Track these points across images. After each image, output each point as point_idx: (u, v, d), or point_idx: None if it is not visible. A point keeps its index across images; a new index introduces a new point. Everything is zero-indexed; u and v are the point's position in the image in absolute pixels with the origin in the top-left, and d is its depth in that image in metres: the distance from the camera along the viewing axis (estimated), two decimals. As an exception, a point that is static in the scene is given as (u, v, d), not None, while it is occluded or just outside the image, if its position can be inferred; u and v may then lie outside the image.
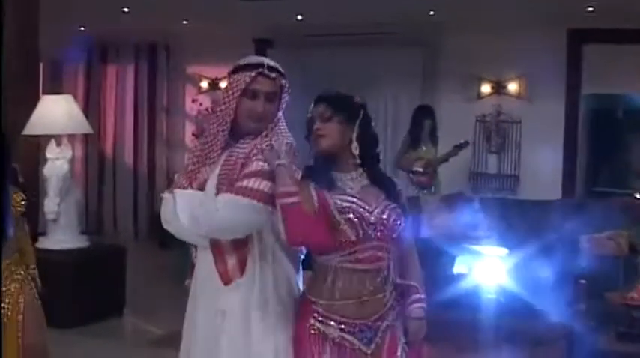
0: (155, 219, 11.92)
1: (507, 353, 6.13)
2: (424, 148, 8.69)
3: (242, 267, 3.19)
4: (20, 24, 7.74)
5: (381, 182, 3.28)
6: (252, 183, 3.10)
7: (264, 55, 11.04)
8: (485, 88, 10.22)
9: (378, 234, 3.13)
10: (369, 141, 3.27)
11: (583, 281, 5.98)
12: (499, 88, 10.16)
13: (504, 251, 7.11)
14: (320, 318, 3.15)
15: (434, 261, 6.98)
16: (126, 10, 9.90)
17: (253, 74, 3.23)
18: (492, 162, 10.22)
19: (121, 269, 7.80)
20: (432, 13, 9.58)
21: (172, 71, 12.08)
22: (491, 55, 9.86)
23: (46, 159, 7.44)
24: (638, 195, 7.42)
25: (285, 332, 3.22)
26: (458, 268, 7.05)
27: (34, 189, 7.88)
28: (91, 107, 12.04)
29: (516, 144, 10.06)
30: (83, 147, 12.15)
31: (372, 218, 3.13)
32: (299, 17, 10.15)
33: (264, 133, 3.24)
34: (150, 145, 12.16)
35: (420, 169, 8.59)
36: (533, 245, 6.95)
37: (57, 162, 7.34)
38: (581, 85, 9.80)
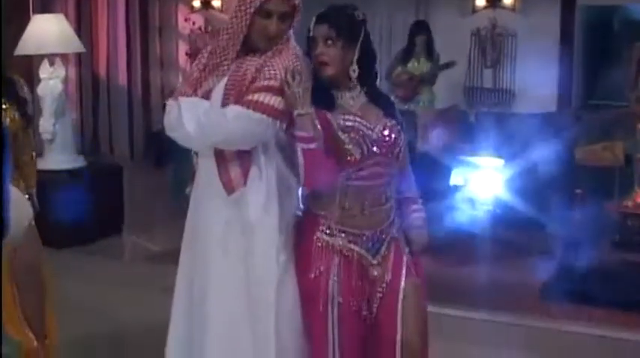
0: (150, 138, 11.94)
1: (505, 264, 6.14)
2: (416, 64, 8.58)
3: (245, 175, 3.17)
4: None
5: (379, 99, 3.30)
6: (264, 97, 3.08)
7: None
8: (480, 1, 10.10)
9: (382, 150, 3.15)
10: (368, 61, 3.27)
11: (579, 191, 5.98)
12: (494, 1, 10.02)
13: (500, 162, 7.09)
14: (327, 231, 3.18)
15: (430, 173, 6.96)
16: None
17: None
18: (488, 76, 10.15)
19: (119, 188, 7.78)
20: None
21: (163, -9, 11.90)
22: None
23: (39, 79, 7.35)
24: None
25: (287, 244, 3.23)
26: (454, 180, 7.04)
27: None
28: (83, 27, 11.83)
29: (512, 57, 9.97)
30: (76, 68, 12.00)
31: (374, 135, 3.15)
32: None
33: (276, 48, 3.19)
34: (143, 65, 12.01)
35: (399, 82, 8.52)
36: (529, 156, 6.93)
37: (50, 82, 7.26)
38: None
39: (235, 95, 3.14)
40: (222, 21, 11.39)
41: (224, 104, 3.15)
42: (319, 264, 3.17)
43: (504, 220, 6.53)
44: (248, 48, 3.24)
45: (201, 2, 11.63)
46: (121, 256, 7.16)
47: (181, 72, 11.73)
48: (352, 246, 3.17)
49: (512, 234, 6.47)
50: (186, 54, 11.50)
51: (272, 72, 3.14)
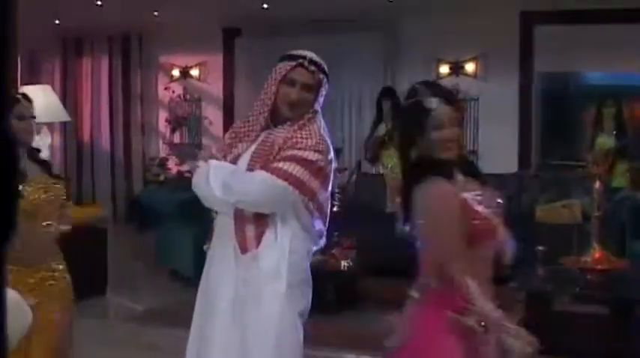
0: (132, 202, 11.88)
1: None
2: (384, 128, 8.72)
3: (259, 238, 3.26)
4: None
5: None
6: (288, 166, 3.22)
7: (232, 43, 11.03)
8: (444, 69, 10.26)
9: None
10: None
11: (540, 248, 6.04)
12: (457, 69, 10.20)
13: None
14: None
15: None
16: (99, 2, 9.84)
17: (294, 64, 3.37)
18: (452, 138, 10.26)
19: (103, 250, 7.77)
20: (390, -2, 9.61)
21: (145, 61, 12.00)
22: (449, 37, 9.88)
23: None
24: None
25: (295, 306, 3.32)
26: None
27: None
28: (68, 97, 11.95)
29: (474, 121, 10.10)
30: (61, 135, 12.08)
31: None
32: (265, 6, 10.11)
33: (301, 122, 3.33)
34: (125, 132, 12.10)
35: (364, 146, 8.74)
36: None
37: (36, 151, 7.30)
38: (533, 64, 9.85)
39: (262, 162, 3.28)
40: (199, 90, 11.59)
41: (250, 169, 3.29)
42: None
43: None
44: (277, 119, 3.39)
45: (180, 72, 11.74)
46: (105, 316, 7.14)
47: (161, 138, 11.79)
48: None
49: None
50: (166, 121, 11.57)
51: (298, 143, 3.26)
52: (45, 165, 3.96)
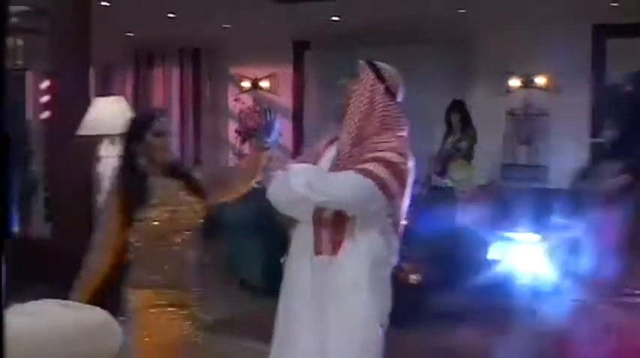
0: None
1: (542, 336, 6.06)
2: (452, 141, 8.68)
3: (336, 246, 3.23)
4: (73, 32, 7.79)
5: None
6: (374, 166, 3.19)
7: (301, 55, 11.05)
8: (515, 82, 10.15)
9: None
10: None
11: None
12: (527, 82, 10.08)
13: (537, 237, 7.04)
14: None
15: (469, 247, 6.95)
16: (171, 15, 9.95)
17: None
18: (522, 153, 10.14)
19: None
20: (461, 11, 9.53)
21: (215, 72, 12.11)
22: (520, 51, 9.77)
23: (99, 158, 7.48)
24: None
25: (378, 317, 3.29)
26: (492, 254, 7.00)
27: (89, 187, 7.95)
28: (140, 108, 12.09)
29: (545, 135, 9.97)
30: (133, 146, 12.22)
31: None
32: (335, 18, 10.12)
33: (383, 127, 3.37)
34: (195, 143, 12.21)
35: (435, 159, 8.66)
36: (565, 231, 6.88)
37: (110, 160, 7.37)
38: (605, 77, 9.68)
39: (342, 165, 3.27)
40: (269, 101, 11.63)
41: (332, 170, 3.27)
42: None
43: (542, 293, 6.45)
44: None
45: (251, 84, 11.81)
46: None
47: (231, 148, 11.86)
48: None
49: (550, 306, 6.38)
50: (236, 131, 11.64)
51: (380, 146, 3.26)
52: (188, 178, 3.68)
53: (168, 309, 3.49)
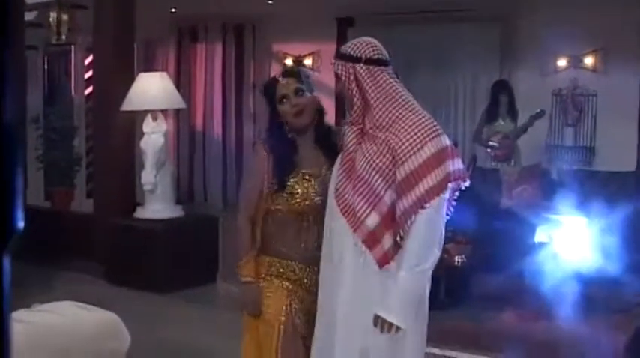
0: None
1: (588, 321, 5.98)
2: (502, 122, 8.53)
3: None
4: (117, 8, 7.79)
5: None
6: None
7: (345, 32, 10.96)
8: (562, 62, 9.98)
9: None
10: None
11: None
12: (575, 62, 9.90)
13: (584, 220, 6.94)
14: None
15: (515, 230, 6.87)
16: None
17: None
18: (568, 134, 9.99)
19: (214, 237, 7.84)
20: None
21: (258, 49, 12.06)
22: (567, 30, 9.58)
23: (142, 133, 7.49)
24: None
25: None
26: (539, 237, 6.91)
27: (131, 162, 7.97)
28: (182, 84, 12.09)
29: (592, 116, 9.81)
30: (175, 121, 12.24)
31: None
32: (380, -5, 10.05)
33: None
34: (237, 119, 12.19)
35: (496, 144, 8.46)
36: (611, 215, 6.78)
37: (153, 136, 7.39)
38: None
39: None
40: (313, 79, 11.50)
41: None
42: None
43: (588, 278, 6.37)
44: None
45: (293, 61, 11.75)
46: (216, 303, 7.18)
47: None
48: None
49: (595, 290, 6.30)
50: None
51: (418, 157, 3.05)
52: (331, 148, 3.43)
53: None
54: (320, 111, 3.47)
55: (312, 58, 11.59)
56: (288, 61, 11.78)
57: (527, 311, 6.08)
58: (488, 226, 7.03)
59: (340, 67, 3.18)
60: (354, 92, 3.15)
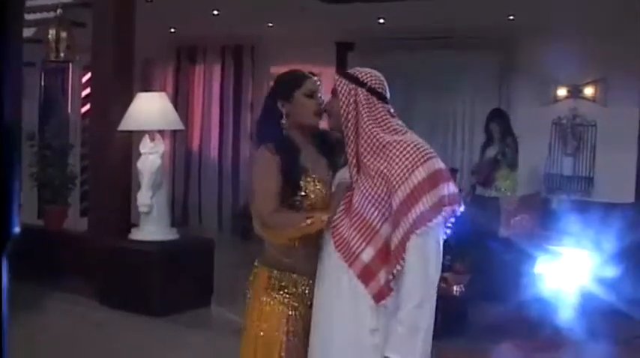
0: (238, 211, 11.95)
1: (588, 351, 5.94)
2: (493, 150, 8.55)
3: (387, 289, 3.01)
4: (116, 26, 7.76)
5: None
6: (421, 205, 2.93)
7: (344, 57, 10.95)
8: (562, 92, 9.98)
9: None
10: None
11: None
12: (575, 92, 9.90)
13: (584, 252, 6.90)
14: None
15: (514, 259, 6.83)
16: (215, 12, 9.92)
17: None
18: (567, 164, 9.97)
19: (209, 260, 7.76)
20: (511, 17, 9.40)
21: (257, 71, 12.05)
22: (568, 59, 9.58)
23: (139, 154, 7.42)
24: None
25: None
26: (538, 267, 6.87)
27: (127, 183, 7.90)
28: (180, 104, 12.06)
29: (591, 146, 9.80)
30: (171, 142, 12.20)
31: None
32: (381, 20, 10.03)
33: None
34: (234, 141, 12.16)
35: (474, 169, 8.61)
36: (611, 246, 6.75)
37: (150, 157, 7.32)
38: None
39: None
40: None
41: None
42: None
43: (587, 309, 6.32)
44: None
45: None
46: (210, 327, 7.10)
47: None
48: None
49: (595, 321, 6.26)
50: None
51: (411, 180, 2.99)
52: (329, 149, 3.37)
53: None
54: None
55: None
56: (287, 84, 11.74)
57: (527, 342, 6.03)
58: (486, 255, 7.00)
59: (342, 85, 3.13)
60: (349, 114, 3.09)
